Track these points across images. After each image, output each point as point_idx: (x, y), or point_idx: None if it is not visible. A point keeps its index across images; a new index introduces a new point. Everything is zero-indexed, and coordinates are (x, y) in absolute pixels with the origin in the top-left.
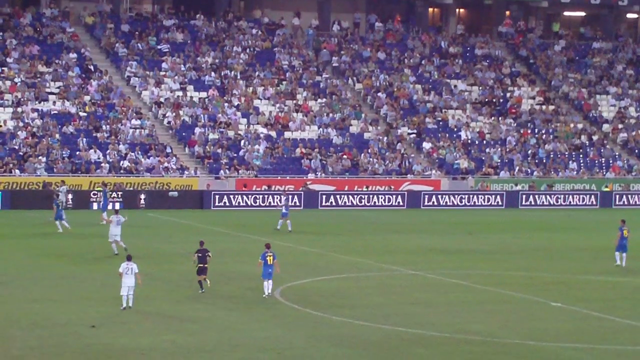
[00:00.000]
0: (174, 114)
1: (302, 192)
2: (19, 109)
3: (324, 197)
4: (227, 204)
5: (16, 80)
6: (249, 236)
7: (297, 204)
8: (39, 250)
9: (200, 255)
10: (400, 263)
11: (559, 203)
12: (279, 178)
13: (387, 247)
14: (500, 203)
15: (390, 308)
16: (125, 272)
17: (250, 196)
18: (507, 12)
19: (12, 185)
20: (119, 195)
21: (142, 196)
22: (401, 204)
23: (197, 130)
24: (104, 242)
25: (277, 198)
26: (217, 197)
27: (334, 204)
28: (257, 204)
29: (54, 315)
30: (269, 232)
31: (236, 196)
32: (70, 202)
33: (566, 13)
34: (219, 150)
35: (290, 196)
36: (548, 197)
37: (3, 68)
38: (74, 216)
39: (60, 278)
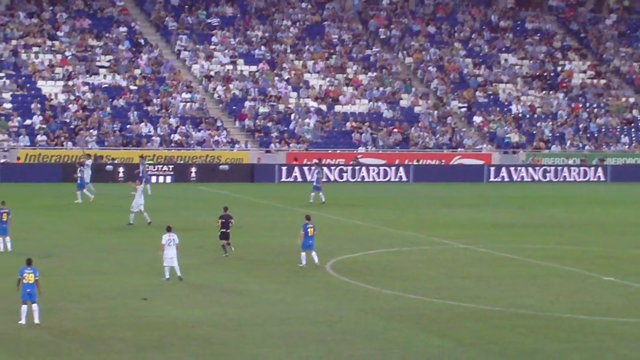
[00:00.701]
0: (224, 87)
1: (353, 166)
2: (70, 83)
3: (374, 170)
4: (278, 177)
5: (67, 53)
6: (299, 210)
7: (349, 177)
8: (89, 223)
9: (223, 220)
10: (451, 237)
11: (609, 178)
12: (330, 151)
13: (438, 221)
14: (551, 177)
15: (441, 282)
16: (168, 244)
17: (300, 169)
18: None
19: (64, 158)
20: (170, 169)
21: (193, 169)
22: (452, 178)
23: (248, 103)
24: (155, 215)
25: (326, 171)
26: (267, 170)
27: (384, 177)
28: (308, 177)
29: (105, 287)
30: (318, 205)
31: (287, 169)
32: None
33: None
34: (269, 124)
35: (321, 169)
36: (599, 170)
37: (54, 42)
38: (126, 189)
39: (111, 251)
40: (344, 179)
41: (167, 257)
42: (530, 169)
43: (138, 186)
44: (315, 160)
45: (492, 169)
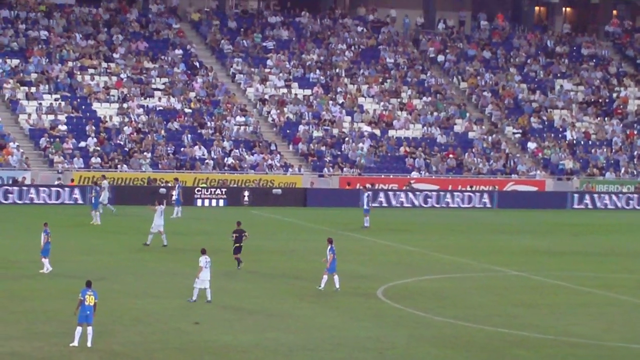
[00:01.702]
0: (278, 111)
1: (407, 191)
2: (125, 105)
3: (428, 195)
4: (331, 202)
5: (122, 76)
6: (351, 234)
7: (403, 202)
8: (141, 246)
9: (237, 235)
10: (503, 264)
11: None
12: (383, 176)
13: (490, 248)
14: (606, 204)
15: (492, 309)
16: (205, 266)
17: (353, 194)
18: (614, 12)
19: (117, 181)
20: (223, 192)
21: (246, 193)
22: (505, 205)
23: (302, 127)
24: (206, 239)
25: (380, 196)
26: (320, 194)
27: (438, 203)
28: (360, 202)
29: (156, 311)
30: (371, 230)
31: (340, 194)
32: (107, 200)
33: None
34: (323, 148)
35: (370, 193)
36: None
37: (109, 64)
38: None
39: (162, 274)
40: (397, 204)
41: (202, 280)
42: (584, 195)
43: (157, 207)
44: (367, 185)
45: (547, 195)
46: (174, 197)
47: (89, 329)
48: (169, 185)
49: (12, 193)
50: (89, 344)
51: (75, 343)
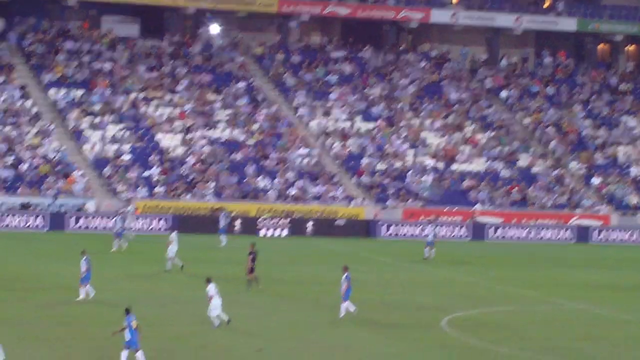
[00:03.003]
0: (341, 143)
1: (471, 224)
2: (188, 136)
3: (491, 229)
4: (394, 233)
5: (185, 107)
6: (414, 266)
7: (465, 234)
8: (203, 275)
9: (252, 257)
10: (568, 297)
11: None
12: (446, 209)
13: (554, 281)
14: None
15: (556, 342)
16: (215, 294)
17: (417, 226)
18: None
19: (180, 210)
20: (287, 222)
21: (309, 224)
22: (569, 238)
23: (364, 160)
24: (270, 269)
25: (445, 228)
26: (384, 226)
27: (501, 236)
28: (424, 234)
29: (219, 339)
30: (435, 262)
31: (403, 226)
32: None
33: None
34: (386, 181)
35: (436, 226)
36: None
37: (173, 95)
38: (242, 241)
39: (223, 303)
40: (461, 237)
41: (216, 308)
42: None
43: (172, 234)
44: (433, 218)
45: (610, 230)
46: (220, 228)
47: (139, 353)
48: (232, 214)
49: (76, 220)
50: None
51: None
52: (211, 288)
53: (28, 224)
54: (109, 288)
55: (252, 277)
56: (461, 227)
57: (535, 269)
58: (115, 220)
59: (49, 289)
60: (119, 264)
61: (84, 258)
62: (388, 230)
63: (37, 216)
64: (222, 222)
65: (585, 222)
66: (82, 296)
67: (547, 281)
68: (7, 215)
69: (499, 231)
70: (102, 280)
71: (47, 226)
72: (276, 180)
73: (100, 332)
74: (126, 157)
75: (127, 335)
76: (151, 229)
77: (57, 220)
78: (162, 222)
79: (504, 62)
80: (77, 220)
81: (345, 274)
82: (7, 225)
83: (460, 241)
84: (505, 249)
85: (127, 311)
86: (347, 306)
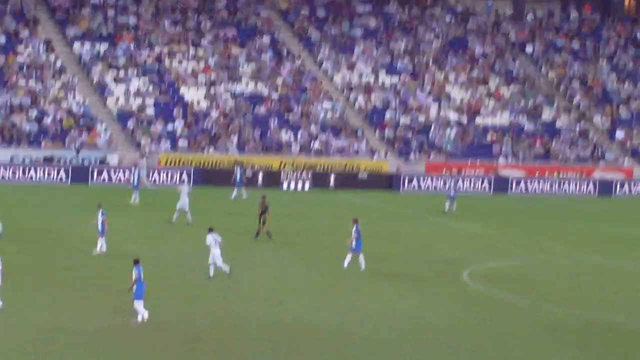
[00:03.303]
0: (365, 97)
1: (493, 177)
2: (212, 90)
3: (514, 182)
4: (416, 187)
5: (210, 61)
6: (435, 219)
7: (487, 189)
8: (226, 228)
9: (263, 210)
10: (589, 250)
11: None
12: (469, 163)
13: (576, 234)
14: None
15: (579, 294)
16: (213, 244)
17: (439, 180)
18: None
19: (204, 163)
20: (309, 176)
21: (332, 177)
22: (592, 192)
23: (388, 114)
24: (292, 221)
25: (465, 182)
26: (406, 179)
27: (524, 190)
28: (446, 187)
29: (242, 289)
30: (458, 215)
31: (426, 180)
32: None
33: None
34: (409, 135)
35: (455, 180)
36: None
37: (197, 49)
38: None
39: (246, 254)
40: (483, 190)
41: (213, 256)
42: None
43: (182, 186)
44: (454, 171)
45: (633, 184)
46: (236, 180)
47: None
48: (255, 168)
49: (99, 174)
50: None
51: (140, 319)
52: (209, 238)
53: (51, 177)
54: (128, 240)
55: (265, 230)
56: (484, 180)
57: (558, 222)
58: (132, 173)
59: (68, 242)
60: (139, 216)
61: (100, 212)
62: (410, 183)
63: (59, 169)
64: (238, 175)
65: (608, 175)
66: (98, 249)
67: (569, 234)
68: (31, 169)
69: (522, 185)
70: (121, 232)
71: (70, 179)
72: (299, 134)
73: (117, 284)
74: (150, 111)
75: (135, 286)
76: (175, 181)
77: (79, 174)
78: (184, 175)
79: (529, 17)
80: (99, 174)
81: (355, 226)
82: (30, 178)
83: (483, 195)
84: (527, 202)
85: (136, 262)
86: (362, 259)
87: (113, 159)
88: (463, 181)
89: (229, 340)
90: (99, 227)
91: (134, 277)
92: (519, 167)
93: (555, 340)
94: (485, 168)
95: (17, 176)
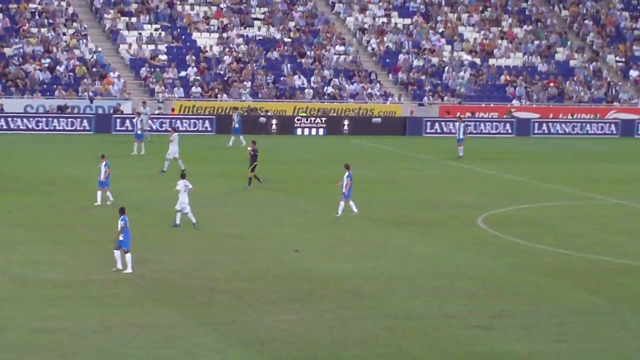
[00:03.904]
0: (378, 40)
1: (513, 120)
2: (225, 35)
3: (535, 124)
4: (431, 131)
5: (222, 5)
6: (452, 163)
7: (509, 130)
8: (240, 175)
9: (252, 154)
10: (606, 192)
11: None
12: (483, 105)
13: (592, 176)
14: None
15: (594, 237)
16: (183, 190)
17: (452, 123)
18: None
19: (217, 110)
20: (323, 121)
21: (346, 122)
22: (614, 132)
23: (401, 56)
24: (306, 167)
25: (480, 125)
26: (420, 124)
27: (545, 131)
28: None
29: (257, 239)
30: (472, 158)
31: (439, 123)
32: (148, 127)
33: None
34: (423, 77)
35: (465, 123)
36: None
37: None
38: (279, 140)
39: (262, 203)
40: (498, 133)
41: (181, 202)
42: None
43: (173, 135)
44: (461, 115)
45: None
46: (234, 126)
47: (129, 256)
48: (269, 114)
49: (122, 123)
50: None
51: (120, 266)
52: (180, 184)
53: (74, 127)
54: (136, 189)
55: (252, 175)
56: (504, 123)
57: (575, 164)
58: (135, 122)
59: (82, 191)
60: (150, 164)
61: (104, 163)
62: (425, 127)
63: (82, 119)
64: (236, 122)
65: (623, 115)
66: (99, 201)
67: (587, 176)
68: (51, 119)
69: (542, 127)
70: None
71: (93, 128)
72: (312, 79)
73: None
74: (162, 57)
75: (120, 236)
76: (195, 129)
77: (102, 122)
78: (199, 122)
79: None
80: (122, 123)
81: (347, 173)
82: (53, 128)
83: (498, 137)
84: (541, 144)
85: (122, 211)
86: (352, 204)
87: (127, 107)
88: (478, 124)
89: (244, 291)
90: (102, 177)
91: (119, 227)
92: (533, 109)
93: (571, 284)
94: (499, 110)
95: (35, 126)
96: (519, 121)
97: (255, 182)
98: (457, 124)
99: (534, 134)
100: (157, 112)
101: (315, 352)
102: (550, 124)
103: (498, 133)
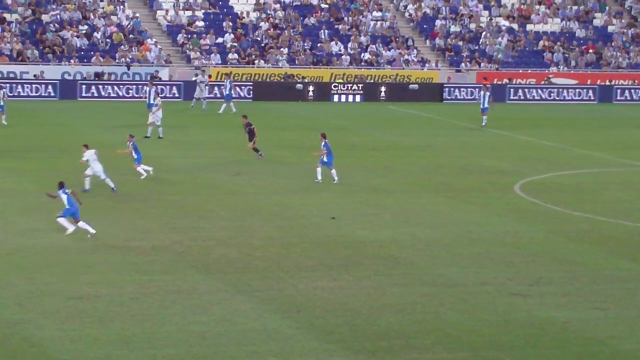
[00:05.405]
0: (415, 6)
1: (545, 86)
2: (262, 1)
3: (567, 91)
4: (467, 97)
5: None
6: (489, 130)
7: (542, 97)
8: (278, 142)
9: (248, 130)
10: None
11: None
12: (520, 71)
13: (629, 143)
14: None
15: (632, 204)
16: (92, 160)
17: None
18: None
19: (255, 77)
20: (360, 88)
21: (383, 88)
22: None
23: (439, 22)
24: (341, 134)
25: (510, 91)
26: (457, 90)
27: (575, 97)
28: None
29: (294, 206)
30: (509, 125)
31: (476, 89)
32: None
33: None
34: (460, 43)
35: (489, 91)
36: None
37: None
38: (315, 107)
39: (299, 169)
40: (535, 99)
41: (97, 171)
42: None
43: (200, 77)
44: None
45: None
46: (226, 93)
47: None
48: (305, 81)
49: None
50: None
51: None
52: (89, 153)
53: (108, 92)
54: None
55: (252, 147)
56: (538, 89)
57: (611, 130)
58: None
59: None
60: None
61: (131, 143)
62: (462, 93)
63: (113, 85)
64: (228, 88)
65: None
66: (144, 174)
67: (623, 143)
68: (84, 85)
69: (575, 93)
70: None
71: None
72: (349, 45)
73: (169, 203)
74: (199, 24)
75: (66, 205)
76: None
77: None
78: (237, 89)
79: None
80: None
81: (324, 142)
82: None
83: (535, 104)
84: (579, 111)
85: (61, 185)
86: (334, 172)
87: (164, 74)
88: (517, 90)
89: (282, 257)
90: (134, 155)
91: (65, 201)
92: (571, 75)
93: (609, 251)
94: (536, 77)
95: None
96: (555, 87)
97: (259, 154)
98: (482, 92)
99: (571, 101)
100: (193, 78)
101: (352, 319)
102: (585, 90)
103: (537, 100)
